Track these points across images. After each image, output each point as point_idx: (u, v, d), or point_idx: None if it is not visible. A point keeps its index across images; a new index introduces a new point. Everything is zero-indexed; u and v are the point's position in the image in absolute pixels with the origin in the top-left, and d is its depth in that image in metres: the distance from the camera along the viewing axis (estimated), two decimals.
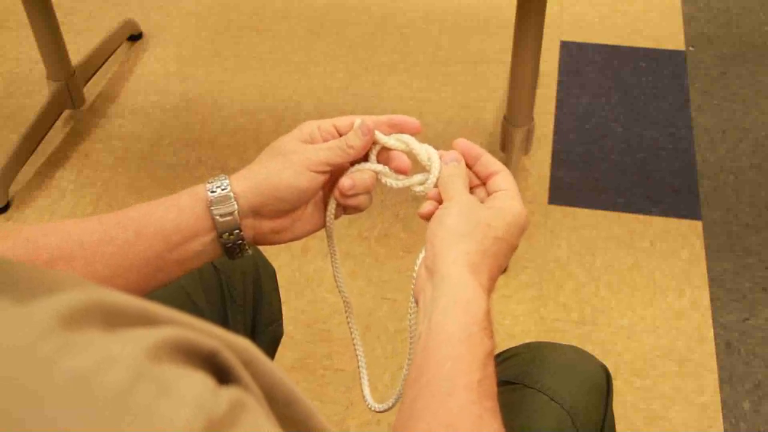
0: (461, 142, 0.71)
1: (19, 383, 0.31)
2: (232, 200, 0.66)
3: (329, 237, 0.75)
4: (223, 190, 0.66)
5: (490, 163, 0.70)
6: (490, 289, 0.63)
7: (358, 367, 0.79)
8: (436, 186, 0.69)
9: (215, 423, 0.33)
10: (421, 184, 0.70)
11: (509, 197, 0.67)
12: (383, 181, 0.71)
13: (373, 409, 0.76)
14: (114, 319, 0.36)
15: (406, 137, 0.70)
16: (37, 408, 0.31)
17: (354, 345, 0.78)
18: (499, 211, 0.66)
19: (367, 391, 0.78)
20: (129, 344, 0.34)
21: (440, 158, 0.69)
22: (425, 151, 0.70)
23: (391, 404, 0.75)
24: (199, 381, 0.35)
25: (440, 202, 0.69)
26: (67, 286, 0.37)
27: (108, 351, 0.33)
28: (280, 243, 0.72)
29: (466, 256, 0.62)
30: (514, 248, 0.66)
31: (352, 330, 0.78)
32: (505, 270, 0.66)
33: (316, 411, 0.43)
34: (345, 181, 0.70)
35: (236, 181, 0.67)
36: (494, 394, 0.57)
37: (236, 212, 0.66)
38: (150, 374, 0.33)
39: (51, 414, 0.31)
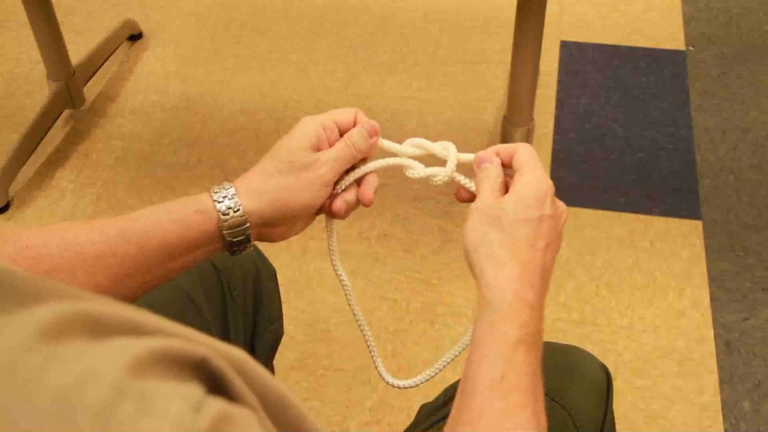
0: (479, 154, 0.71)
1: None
2: (246, 223, 0.66)
3: (328, 224, 0.75)
4: (235, 211, 0.65)
5: (507, 148, 0.70)
6: (525, 274, 0.62)
7: (368, 346, 0.79)
8: (453, 175, 0.71)
9: None
10: (436, 175, 0.72)
11: (522, 174, 0.66)
12: (406, 172, 0.72)
13: (392, 384, 0.77)
14: (99, 329, 0.36)
15: (419, 140, 0.73)
16: (18, 426, 0.31)
17: (359, 326, 0.78)
18: (508, 197, 0.65)
19: (381, 368, 0.78)
20: (111, 357, 0.34)
21: (475, 164, 0.70)
22: (441, 147, 0.72)
23: (412, 383, 0.77)
24: (182, 396, 0.34)
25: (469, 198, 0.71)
26: (52, 296, 0.37)
27: (89, 365, 0.33)
28: (276, 241, 0.72)
29: (487, 259, 0.63)
30: (543, 218, 0.64)
31: (354, 311, 0.78)
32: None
33: (309, 414, 0.42)
34: (367, 195, 0.71)
35: (246, 196, 0.66)
36: (526, 386, 0.57)
37: (249, 232, 0.66)
38: (130, 391, 0.33)
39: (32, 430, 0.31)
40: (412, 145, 0.73)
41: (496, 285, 0.61)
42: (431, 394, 0.88)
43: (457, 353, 0.77)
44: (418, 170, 0.72)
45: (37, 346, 0.33)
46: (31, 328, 0.33)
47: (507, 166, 0.69)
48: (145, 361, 0.34)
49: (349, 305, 0.78)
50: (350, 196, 0.71)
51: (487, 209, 0.65)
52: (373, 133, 0.70)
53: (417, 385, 0.77)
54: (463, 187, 0.71)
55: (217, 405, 0.35)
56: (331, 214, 0.71)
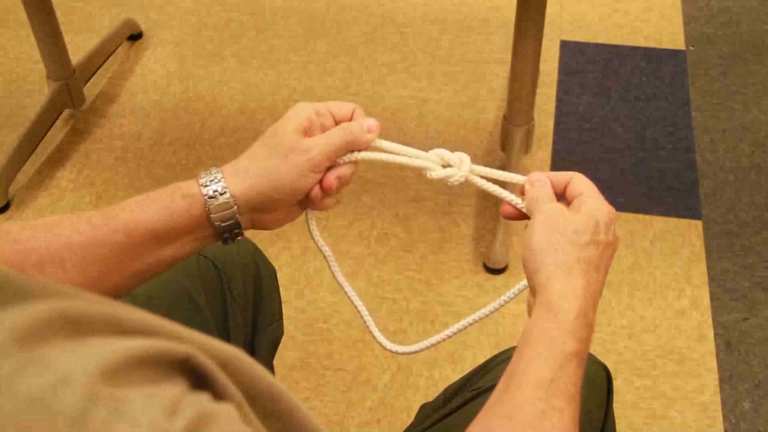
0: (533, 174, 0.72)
1: None
2: (233, 206, 0.65)
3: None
4: (221, 194, 0.65)
5: (560, 175, 0.71)
6: (589, 293, 0.63)
7: (361, 316, 0.79)
8: (469, 176, 0.74)
9: None
10: (452, 176, 0.74)
11: (588, 198, 0.68)
12: (425, 173, 0.74)
13: (391, 350, 0.78)
14: (80, 329, 0.36)
15: (439, 150, 0.74)
16: None
17: (348, 296, 0.79)
18: (582, 215, 0.66)
19: (377, 333, 0.79)
20: (86, 361, 0.34)
21: (528, 181, 0.72)
22: (457, 157, 0.74)
23: (411, 350, 0.77)
24: (156, 401, 0.34)
25: (519, 215, 0.72)
26: (36, 295, 0.37)
27: (64, 369, 0.33)
28: (273, 228, 0.71)
29: (558, 268, 0.63)
30: (608, 245, 0.66)
31: (340, 282, 0.78)
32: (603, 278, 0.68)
33: (299, 404, 0.43)
34: (332, 181, 0.69)
35: (233, 179, 0.66)
36: (570, 395, 0.58)
37: (237, 216, 0.66)
38: (105, 396, 0.33)
39: None
40: (434, 155, 0.75)
41: (564, 296, 0.62)
42: (431, 393, 0.88)
43: (470, 322, 0.77)
44: (437, 171, 0.73)
45: (13, 352, 0.33)
46: (7, 333, 0.33)
47: (558, 194, 0.71)
48: (122, 364, 0.34)
49: (334, 276, 0.78)
50: (344, 171, 0.70)
51: (561, 221, 0.65)
52: (372, 130, 0.70)
53: (420, 350, 0.77)
54: (509, 204, 0.73)
55: (196, 405, 0.35)
56: (318, 203, 0.70)
